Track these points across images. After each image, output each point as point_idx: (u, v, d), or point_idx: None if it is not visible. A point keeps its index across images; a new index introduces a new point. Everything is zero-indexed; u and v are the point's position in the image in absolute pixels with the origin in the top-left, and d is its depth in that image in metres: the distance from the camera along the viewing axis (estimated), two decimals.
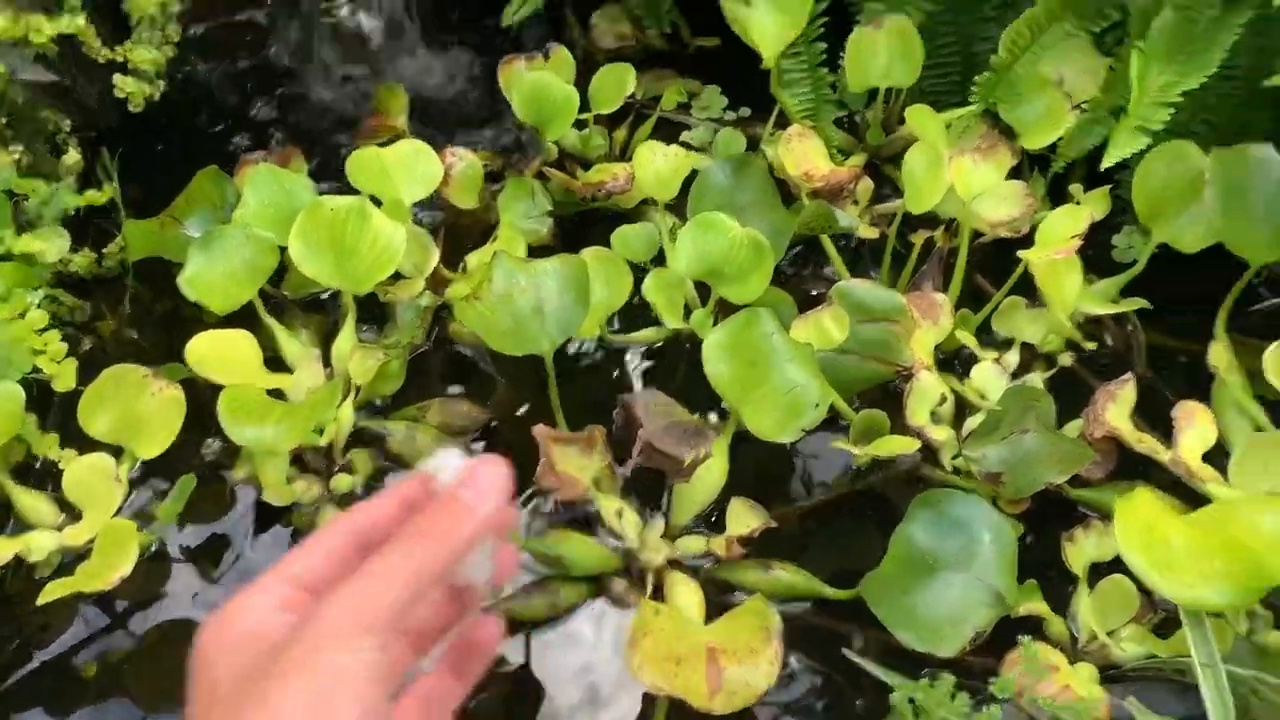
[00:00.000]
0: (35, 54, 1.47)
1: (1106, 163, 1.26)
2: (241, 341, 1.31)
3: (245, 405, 1.20)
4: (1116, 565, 1.20)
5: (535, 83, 1.56)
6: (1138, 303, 1.40)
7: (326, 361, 1.39)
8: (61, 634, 1.24)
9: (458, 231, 1.60)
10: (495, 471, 0.63)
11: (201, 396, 1.28)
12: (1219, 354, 1.33)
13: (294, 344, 1.39)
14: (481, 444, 1.40)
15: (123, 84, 1.54)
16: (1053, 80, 1.46)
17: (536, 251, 1.52)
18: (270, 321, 1.38)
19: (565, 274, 1.33)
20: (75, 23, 1.45)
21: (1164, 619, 1.20)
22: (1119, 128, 1.25)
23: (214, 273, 1.34)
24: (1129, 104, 1.25)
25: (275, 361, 1.36)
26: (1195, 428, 1.20)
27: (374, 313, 1.48)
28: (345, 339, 1.37)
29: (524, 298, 1.31)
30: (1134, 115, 1.24)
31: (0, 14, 1.39)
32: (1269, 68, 1.34)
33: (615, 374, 1.47)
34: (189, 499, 1.25)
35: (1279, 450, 1.23)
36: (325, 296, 1.52)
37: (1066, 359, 1.42)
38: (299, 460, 1.34)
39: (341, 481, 1.32)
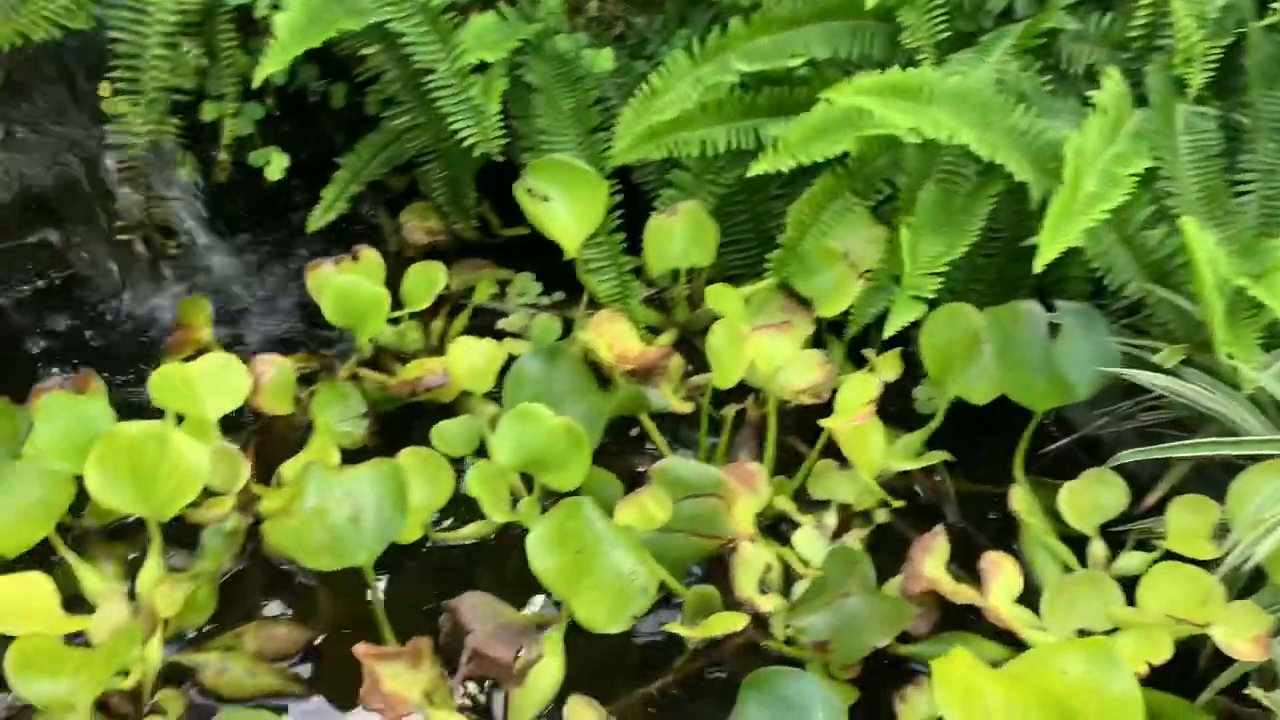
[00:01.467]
0: None
1: (888, 331, 1.34)
2: (35, 585, 1.24)
3: (36, 658, 1.12)
4: None
5: (344, 286, 1.57)
6: (940, 455, 1.47)
7: (134, 593, 1.32)
8: None
9: (272, 440, 1.56)
10: None
11: None
12: (1019, 499, 1.40)
13: (95, 579, 1.32)
14: (305, 666, 1.33)
15: None
16: (839, 252, 1.56)
17: (354, 454, 1.49)
18: (69, 557, 1.31)
19: (381, 480, 1.31)
20: None
21: None
22: (896, 298, 1.34)
23: (3, 513, 1.28)
24: (903, 275, 1.34)
25: (77, 599, 1.29)
26: (1001, 577, 1.25)
27: (184, 537, 1.41)
28: (150, 570, 1.31)
29: (339, 509, 1.29)
30: (908, 286, 1.33)
31: None
32: (1027, 228, 1.47)
33: (444, 574, 1.44)
34: None
35: (1085, 588, 1.30)
36: (131, 522, 1.44)
37: (882, 515, 1.47)
38: (105, 707, 1.25)
39: None
